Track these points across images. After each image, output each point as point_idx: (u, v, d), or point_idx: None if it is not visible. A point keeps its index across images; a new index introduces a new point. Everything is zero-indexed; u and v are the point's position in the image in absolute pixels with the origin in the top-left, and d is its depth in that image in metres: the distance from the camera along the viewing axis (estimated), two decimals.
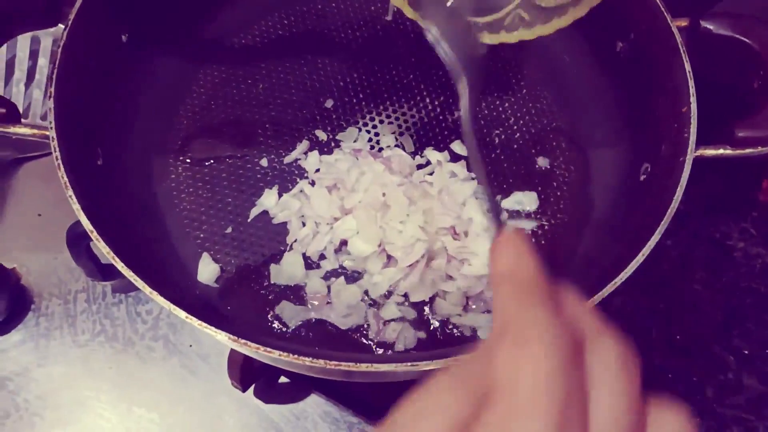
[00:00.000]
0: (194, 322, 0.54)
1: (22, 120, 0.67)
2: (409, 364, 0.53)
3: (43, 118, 0.85)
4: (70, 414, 0.76)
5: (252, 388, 0.78)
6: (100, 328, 0.81)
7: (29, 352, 0.79)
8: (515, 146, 0.78)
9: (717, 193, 1.09)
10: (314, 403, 0.79)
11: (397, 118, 0.79)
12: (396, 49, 0.84)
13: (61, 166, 0.60)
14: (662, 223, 0.60)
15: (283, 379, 0.80)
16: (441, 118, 0.79)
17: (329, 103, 0.80)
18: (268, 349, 0.53)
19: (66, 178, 0.59)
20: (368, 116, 0.79)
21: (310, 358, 0.53)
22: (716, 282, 1.15)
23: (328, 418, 0.78)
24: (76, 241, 0.72)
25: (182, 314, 0.54)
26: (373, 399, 0.78)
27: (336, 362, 0.53)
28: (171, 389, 0.78)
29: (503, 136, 0.79)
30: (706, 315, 1.14)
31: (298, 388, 0.79)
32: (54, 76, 0.64)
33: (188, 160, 0.75)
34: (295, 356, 0.53)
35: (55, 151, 0.60)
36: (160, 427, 0.76)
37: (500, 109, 0.81)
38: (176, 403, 0.77)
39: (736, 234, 1.16)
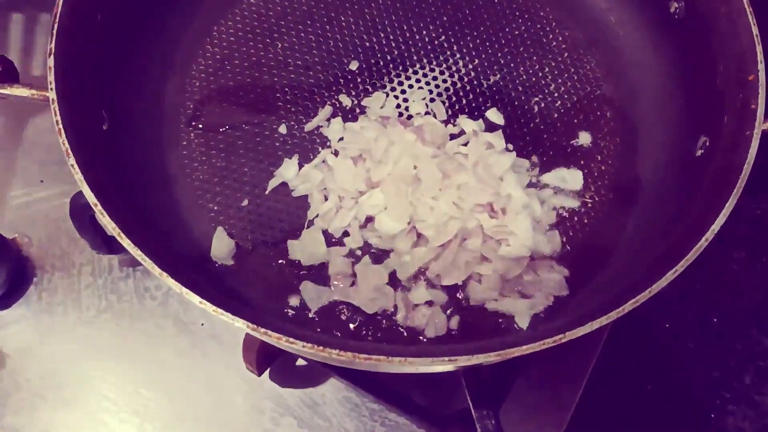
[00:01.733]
0: (208, 308, 0.49)
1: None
2: (446, 359, 0.48)
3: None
4: (74, 395, 0.72)
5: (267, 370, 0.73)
6: (106, 303, 0.76)
7: (31, 329, 0.74)
8: (556, 115, 0.72)
9: (758, 167, 1.03)
10: (333, 387, 0.74)
11: (427, 83, 0.73)
12: (427, 5, 0.77)
13: (62, 131, 0.54)
14: (727, 205, 0.54)
15: (300, 362, 0.75)
16: (475, 83, 0.73)
17: (354, 65, 0.73)
18: (291, 339, 0.48)
19: (68, 145, 0.53)
20: (396, 80, 0.73)
21: (337, 350, 0.48)
22: (756, 262, 1.10)
23: (347, 404, 0.73)
24: (80, 212, 0.67)
25: (196, 299, 0.49)
26: (397, 384, 0.73)
27: (366, 355, 0.48)
28: (181, 370, 0.73)
29: (542, 105, 0.73)
30: (744, 296, 1.09)
31: (316, 371, 0.74)
32: (54, 31, 0.58)
33: (201, 126, 0.69)
34: (320, 348, 0.48)
35: (56, 115, 0.55)
36: (169, 410, 0.72)
37: (539, 74, 0.74)
38: (186, 385, 0.73)
39: None
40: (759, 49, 0.60)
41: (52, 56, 0.57)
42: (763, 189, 1.03)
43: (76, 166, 0.53)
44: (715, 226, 0.53)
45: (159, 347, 0.74)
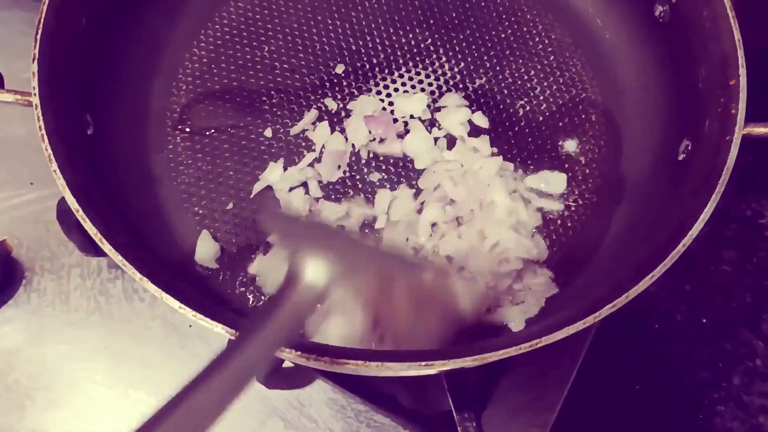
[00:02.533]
0: (188, 312, 0.49)
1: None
2: (423, 363, 0.49)
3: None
4: (62, 396, 0.72)
5: None
6: (95, 305, 0.76)
7: (20, 330, 0.75)
8: (541, 119, 0.72)
9: (747, 167, 1.03)
10: (320, 389, 0.74)
11: (413, 86, 0.73)
12: (414, 8, 0.77)
13: (45, 137, 0.54)
14: (706, 209, 0.54)
15: (287, 364, 0.75)
16: (461, 86, 0.73)
17: (340, 69, 0.74)
18: None
19: (50, 150, 0.54)
20: (382, 84, 0.73)
21: (315, 355, 0.49)
22: (746, 262, 1.10)
23: (334, 405, 0.73)
24: (67, 215, 0.67)
25: (175, 304, 0.49)
26: (383, 386, 0.74)
27: (345, 359, 0.49)
28: (169, 371, 0.74)
29: (528, 108, 0.73)
30: (734, 297, 1.09)
31: (303, 373, 0.75)
32: (38, 36, 0.58)
33: (187, 129, 0.70)
34: (299, 354, 0.49)
35: (39, 121, 0.55)
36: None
37: (525, 77, 0.74)
38: (174, 385, 0.73)
39: None
40: (740, 53, 0.60)
41: (35, 62, 0.57)
42: (753, 189, 1.03)
43: (58, 171, 0.53)
44: (693, 232, 0.53)
45: (147, 348, 0.74)
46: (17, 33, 0.91)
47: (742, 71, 0.59)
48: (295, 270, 0.46)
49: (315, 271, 0.46)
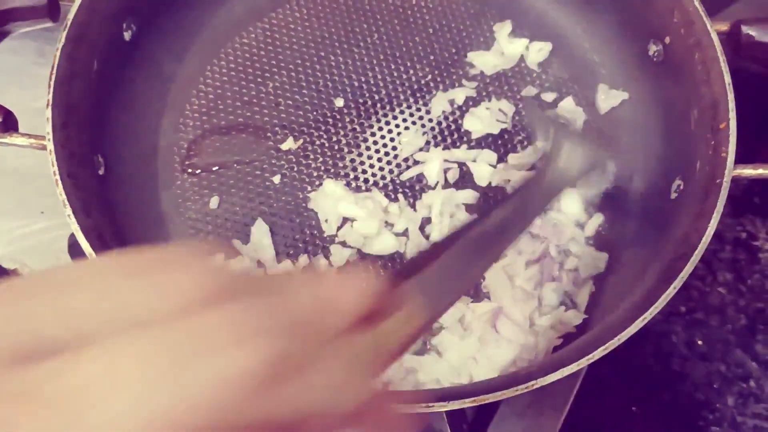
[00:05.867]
0: None
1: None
2: (423, 405, 0.51)
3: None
4: None
5: None
6: None
7: None
8: (540, 155, 0.74)
9: (743, 190, 1.05)
10: None
11: (413, 123, 0.75)
12: (414, 45, 0.79)
13: (59, 182, 0.57)
14: (696, 253, 0.56)
15: None
16: (459, 122, 0.75)
17: (340, 103, 0.76)
18: None
19: (65, 196, 0.56)
20: (383, 120, 0.75)
21: None
22: (741, 284, 1.11)
23: None
24: (78, 248, 0.69)
25: None
26: None
27: None
28: None
29: (525, 143, 0.75)
30: (729, 319, 1.11)
31: None
32: (52, 82, 0.60)
33: (194, 166, 0.72)
34: None
35: (53, 166, 0.57)
36: None
37: (522, 113, 0.76)
38: None
39: (763, 234, 1.12)
40: (730, 97, 0.61)
41: (49, 107, 0.59)
42: (747, 211, 1.04)
43: (72, 216, 0.56)
44: (684, 274, 0.55)
45: None
46: (28, 63, 0.93)
47: (732, 115, 0.61)
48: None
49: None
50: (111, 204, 0.63)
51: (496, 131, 0.74)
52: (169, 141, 0.72)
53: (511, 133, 0.75)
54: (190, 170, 0.71)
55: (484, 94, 0.77)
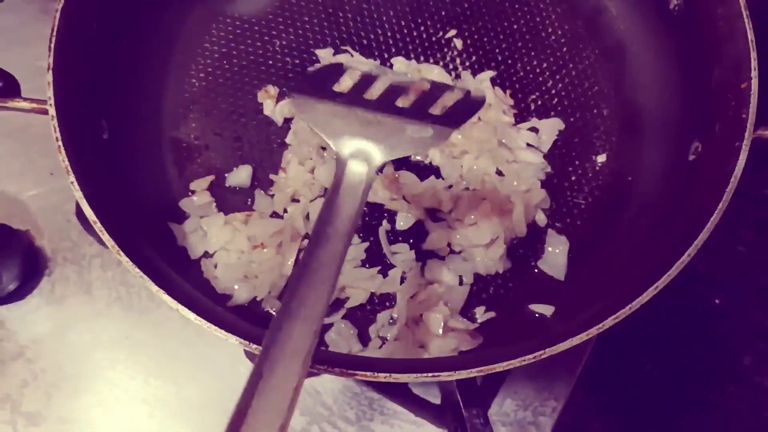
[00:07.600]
0: (203, 324, 0.51)
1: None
2: (430, 375, 0.50)
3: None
4: (86, 385, 0.75)
5: None
6: (116, 295, 0.78)
7: (45, 319, 0.77)
8: (552, 114, 0.72)
9: (765, 146, 1.03)
10: (334, 377, 0.76)
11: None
12: (425, 0, 0.77)
13: (62, 148, 0.55)
14: (711, 219, 0.54)
15: None
16: (472, 80, 0.73)
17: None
18: None
19: (67, 162, 0.55)
20: None
21: (325, 366, 0.51)
22: (763, 243, 1.10)
23: (348, 393, 0.76)
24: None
25: (191, 316, 0.51)
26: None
27: (354, 371, 0.51)
28: (188, 360, 0.76)
29: (539, 102, 0.73)
30: (749, 278, 1.09)
31: None
32: (52, 45, 0.58)
33: (199, 125, 0.71)
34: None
35: (56, 132, 0.56)
36: (178, 398, 0.75)
37: (537, 71, 0.74)
38: (194, 374, 0.76)
39: None
40: (753, 55, 0.59)
41: (50, 71, 0.58)
42: None
43: (76, 183, 0.55)
44: (698, 241, 0.54)
45: (167, 338, 0.77)
46: (31, 19, 0.91)
47: (755, 74, 0.58)
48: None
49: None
50: (116, 171, 0.62)
51: None
52: (174, 102, 0.71)
53: None
54: (193, 134, 0.70)
55: None
